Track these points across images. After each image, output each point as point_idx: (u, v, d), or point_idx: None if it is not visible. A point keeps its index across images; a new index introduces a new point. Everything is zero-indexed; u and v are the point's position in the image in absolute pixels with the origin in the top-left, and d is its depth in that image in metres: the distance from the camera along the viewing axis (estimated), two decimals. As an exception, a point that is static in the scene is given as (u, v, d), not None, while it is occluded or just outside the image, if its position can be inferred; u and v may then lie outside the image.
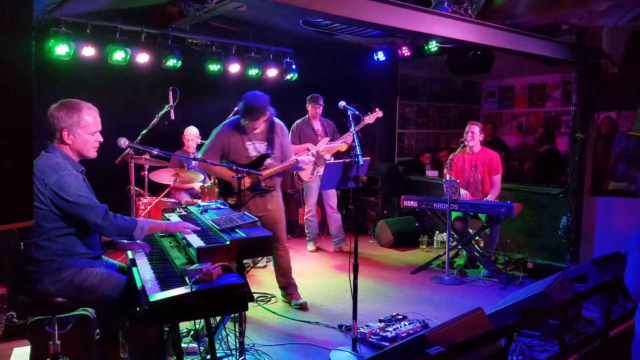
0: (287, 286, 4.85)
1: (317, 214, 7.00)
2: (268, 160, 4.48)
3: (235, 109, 4.43)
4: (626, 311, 4.07)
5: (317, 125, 6.73)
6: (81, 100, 2.94)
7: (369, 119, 6.51)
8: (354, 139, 3.91)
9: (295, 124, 6.71)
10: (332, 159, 6.55)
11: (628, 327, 3.75)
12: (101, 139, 3.00)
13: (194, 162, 4.90)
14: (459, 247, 6.09)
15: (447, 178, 5.76)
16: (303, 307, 4.77)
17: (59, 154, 2.85)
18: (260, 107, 4.40)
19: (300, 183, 6.99)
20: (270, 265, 5.47)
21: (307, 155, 4.57)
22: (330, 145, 4.64)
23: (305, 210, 6.95)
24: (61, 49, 5.53)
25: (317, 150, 4.62)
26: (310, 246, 7.00)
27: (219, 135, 4.48)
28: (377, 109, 6.57)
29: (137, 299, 2.55)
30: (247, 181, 4.33)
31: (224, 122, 4.60)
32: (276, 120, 4.66)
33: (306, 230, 7.03)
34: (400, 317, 4.32)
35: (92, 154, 2.98)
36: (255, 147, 4.52)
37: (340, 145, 4.68)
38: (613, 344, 3.60)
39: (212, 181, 5.91)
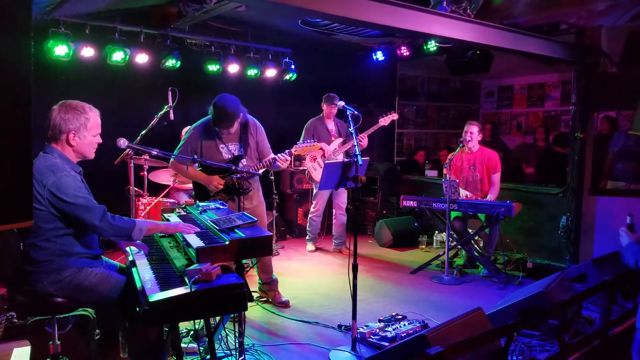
0: (270, 282, 4.84)
1: (321, 215, 6.98)
2: (243, 162, 4.38)
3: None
4: (626, 311, 4.08)
5: (331, 125, 6.72)
6: (82, 102, 2.95)
7: (384, 121, 6.48)
8: (353, 139, 3.90)
9: (309, 122, 6.69)
10: (345, 158, 6.53)
11: (628, 327, 3.75)
12: (100, 140, 3.01)
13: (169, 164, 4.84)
14: (459, 247, 6.10)
15: (447, 178, 5.76)
16: (286, 305, 4.79)
17: (57, 155, 2.85)
18: (233, 112, 4.26)
19: (309, 183, 7.00)
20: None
21: (284, 154, 4.50)
22: (302, 146, 4.60)
23: (312, 209, 6.93)
24: (60, 50, 5.53)
25: (293, 150, 4.58)
26: (310, 246, 7.00)
27: (190, 139, 4.38)
28: (392, 112, 6.55)
29: (137, 299, 2.55)
30: (220, 183, 4.30)
31: (195, 125, 4.47)
32: (250, 118, 4.53)
33: (307, 229, 7.01)
34: (400, 317, 4.32)
35: (93, 155, 3.01)
36: (228, 150, 4.43)
37: (313, 144, 4.63)
38: (613, 343, 3.61)
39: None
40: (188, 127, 6.15)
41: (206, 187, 4.36)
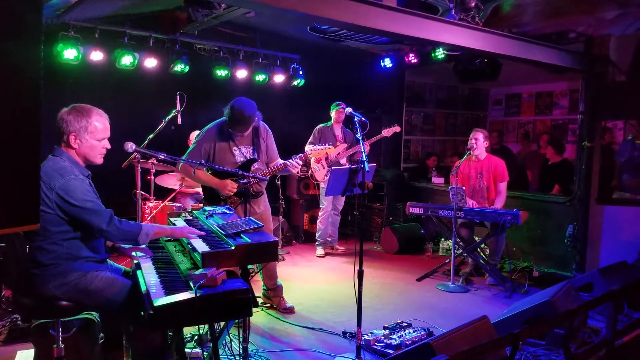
0: (275, 288, 4.83)
1: (328, 218, 7.07)
2: (255, 165, 4.39)
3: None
4: (632, 321, 4.05)
5: (338, 132, 6.90)
6: (93, 106, 2.96)
7: (387, 132, 6.82)
8: (361, 145, 3.91)
9: (316, 128, 6.86)
10: (348, 163, 6.65)
11: (634, 337, 3.72)
12: (109, 146, 3.01)
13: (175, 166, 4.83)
14: (465, 254, 6.07)
15: (453, 185, 5.75)
16: (290, 311, 4.79)
17: (65, 158, 2.86)
18: (250, 116, 4.28)
19: (312, 184, 7.12)
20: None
21: (295, 158, 4.51)
22: (317, 148, 4.70)
23: (320, 213, 7.04)
24: (70, 53, 5.56)
25: (304, 154, 4.60)
26: (319, 250, 7.02)
27: (203, 140, 4.37)
28: (396, 125, 6.91)
29: (142, 303, 2.54)
30: (234, 187, 4.28)
31: (208, 127, 4.46)
32: (260, 122, 4.55)
33: (317, 234, 7.08)
34: (405, 324, 4.30)
35: (99, 160, 2.99)
36: (241, 152, 4.43)
37: (327, 147, 4.75)
38: (619, 354, 3.58)
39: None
40: (197, 132, 6.20)
41: (218, 192, 4.34)
